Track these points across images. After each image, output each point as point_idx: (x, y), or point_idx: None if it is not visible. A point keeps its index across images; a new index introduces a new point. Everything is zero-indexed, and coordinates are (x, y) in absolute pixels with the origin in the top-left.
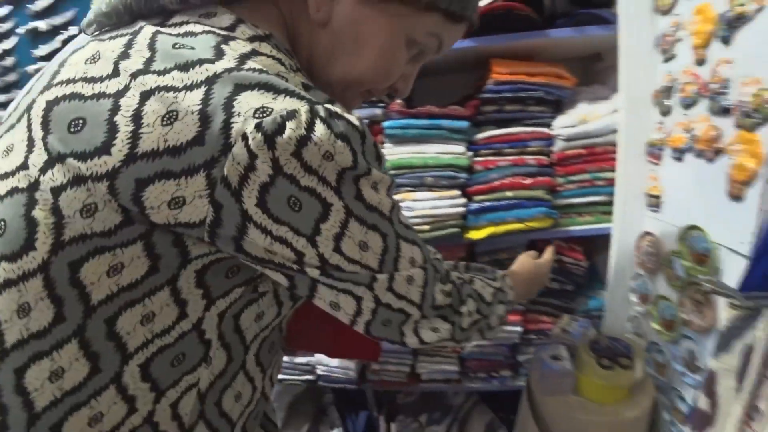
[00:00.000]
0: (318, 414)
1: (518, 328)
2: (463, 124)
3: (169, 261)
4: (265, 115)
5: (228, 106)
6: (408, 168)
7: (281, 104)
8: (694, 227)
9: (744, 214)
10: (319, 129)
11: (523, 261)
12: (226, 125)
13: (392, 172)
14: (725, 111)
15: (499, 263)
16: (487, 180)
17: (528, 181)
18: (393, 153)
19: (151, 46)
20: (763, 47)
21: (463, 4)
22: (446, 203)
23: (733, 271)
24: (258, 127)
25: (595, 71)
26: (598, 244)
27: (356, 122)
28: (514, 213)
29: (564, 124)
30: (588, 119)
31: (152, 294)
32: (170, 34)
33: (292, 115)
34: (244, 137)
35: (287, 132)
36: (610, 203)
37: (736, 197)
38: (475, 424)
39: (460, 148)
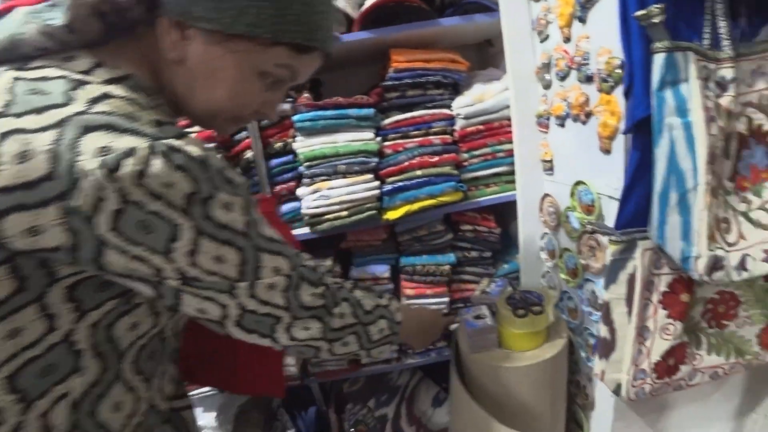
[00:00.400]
0: (269, 420)
1: (445, 299)
2: (369, 111)
3: (37, 280)
4: (107, 153)
5: (75, 146)
6: (321, 158)
7: (122, 143)
8: (580, 182)
9: (614, 165)
10: (156, 163)
11: (422, 309)
12: (73, 163)
13: (306, 163)
14: (589, 79)
15: (420, 240)
16: (397, 162)
17: (435, 159)
18: (305, 145)
19: (10, 91)
20: (609, 23)
21: (308, 36)
22: (361, 188)
23: (614, 215)
24: (101, 164)
25: (489, 56)
26: (508, 211)
27: (196, 154)
28: (426, 190)
29: (462, 104)
30: (484, 98)
31: (18, 311)
32: (28, 79)
33: (130, 152)
34: (91, 173)
35: (127, 167)
36: (512, 173)
37: (606, 151)
38: (422, 398)
39: (369, 135)
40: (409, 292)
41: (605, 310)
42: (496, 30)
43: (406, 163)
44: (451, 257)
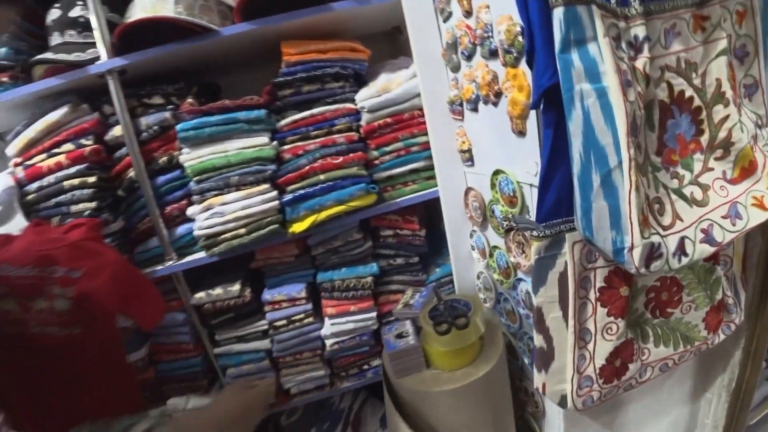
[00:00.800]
0: None
1: (372, 314)
2: (260, 113)
3: None
4: None
5: None
6: (212, 170)
7: None
8: (499, 171)
9: (530, 148)
10: None
11: (226, 395)
12: None
13: (196, 177)
14: (493, 54)
15: (336, 252)
16: (297, 167)
17: (339, 159)
18: (192, 157)
19: None
20: None
21: None
22: (258, 200)
23: None
24: None
25: (399, 44)
26: (435, 209)
27: None
28: (333, 196)
29: (367, 96)
30: (390, 87)
31: None
32: None
33: None
34: None
35: None
36: (430, 168)
37: (520, 133)
38: (369, 420)
39: (263, 139)
40: (330, 311)
41: (537, 316)
42: (402, 14)
43: (307, 168)
44: (374, 267)
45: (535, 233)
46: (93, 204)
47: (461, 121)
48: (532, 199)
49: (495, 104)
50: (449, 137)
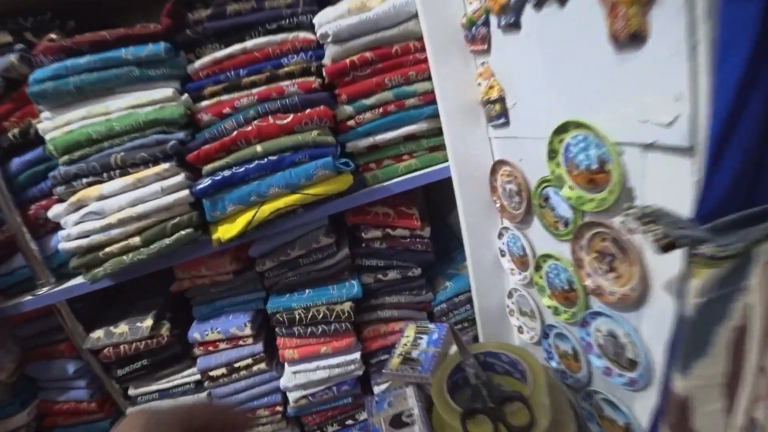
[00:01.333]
0: None
1: (354, 355)
2: (157, 48)
3: None
4: None
5: None
6: (85, 145)
7: None
8: (568, 126)
9: (655, 67)
10: None
11: None
12: None
13: (63, 158)
14: None
15: (295, 266)
16: (219, 134)
17: (286, 119)
18: (55, 125)
19: None
20: None
21: None
22: (153, 189)
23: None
24: None
25: None
26: (443, 194)
27: None
28: (279, 179)
29: (331, 17)
30: (369, 4)
31: None
32: None
33: None
34: None
35: None
36: (437, 132)
37: (632, 38)
38: None
39: (165, 92)
40: (290, 354)
41: (679, 413)
42: None
43: (234, 134)
44: (354, 287)
45: (713, 251)
46: None
47: (485, 53)
48: (642, 176)
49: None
50: (466, 82)
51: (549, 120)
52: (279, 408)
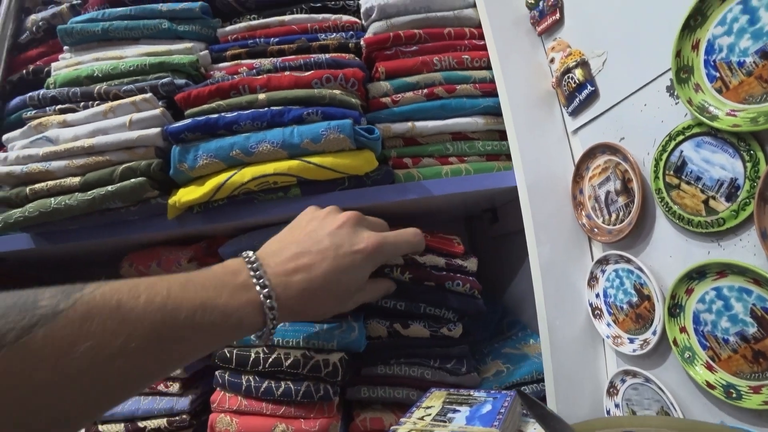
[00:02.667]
0: None
1: None
2: (193, 5)
3: None
4: None
5: None
6: (84, 82)
7: None
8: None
9: None
10: None
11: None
12: None
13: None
14: None
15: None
16: (215, 81)
17: (303, 74)
18: (68, 64)
19: None
20: None
21: None
22: (121, 121)
23: None
24: None
25: None
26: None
27: None
28: (275, 135)
29: None
30: None
31: None
32: None
33: None
34: None
35: None
36: (498, 136)
37: None
38: None
39: (187, 44)
40: (222, 425)
41: None
42: None
43: (235, 79)
44: (354, 330)
45: None
46: None
47: (558, 25)
48: None
49: None
50: (535, 68)
51: (661, 43)
52: None
